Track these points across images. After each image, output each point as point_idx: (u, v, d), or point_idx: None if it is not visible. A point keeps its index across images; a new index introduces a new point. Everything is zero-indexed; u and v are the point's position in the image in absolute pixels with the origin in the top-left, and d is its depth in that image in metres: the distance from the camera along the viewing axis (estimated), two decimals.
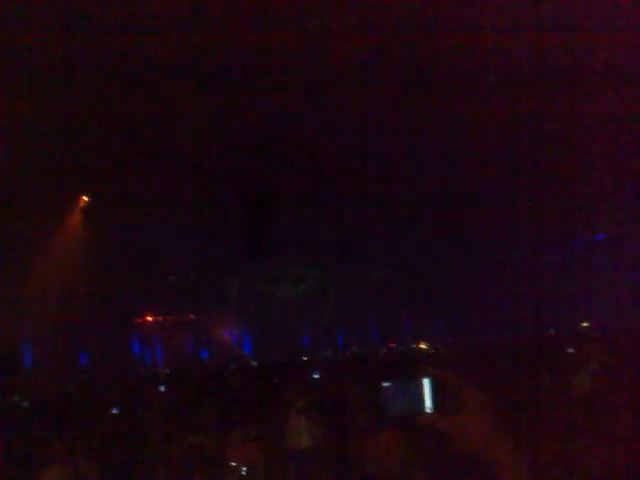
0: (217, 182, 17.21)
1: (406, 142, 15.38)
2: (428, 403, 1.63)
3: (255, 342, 20.74)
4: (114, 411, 6.56)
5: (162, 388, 8.28)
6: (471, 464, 1.58)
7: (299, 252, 19.20)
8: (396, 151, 15.92)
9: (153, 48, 13.07)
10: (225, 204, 17.86)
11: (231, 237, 18.41)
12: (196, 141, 16.26)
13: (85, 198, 18.22)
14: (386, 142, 15.55)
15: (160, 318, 20.35)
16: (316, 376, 6.97)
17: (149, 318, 20.42)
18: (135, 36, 12.66)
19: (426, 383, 1.64)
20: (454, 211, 17.34)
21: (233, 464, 3.70)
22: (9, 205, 16.02)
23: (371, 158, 16.32)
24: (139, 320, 20.11)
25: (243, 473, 3.60)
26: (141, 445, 5.00)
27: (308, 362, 9.56)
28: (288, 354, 15.16)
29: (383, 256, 18.89)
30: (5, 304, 16.44)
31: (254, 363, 12.03)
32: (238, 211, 18.19)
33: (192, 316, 20.45)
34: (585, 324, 15.30)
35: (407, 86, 13.15)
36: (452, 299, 18.93)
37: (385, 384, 1.66)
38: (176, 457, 4.32)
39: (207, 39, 12.46)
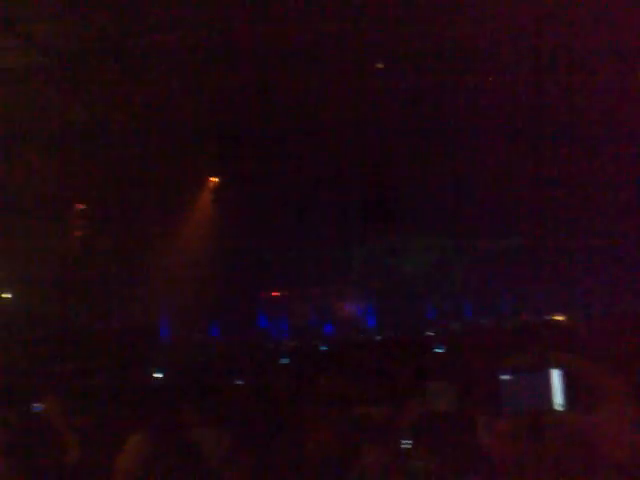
0: (338, 153, 17.12)
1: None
2: (558, 398, 1.29)
3: (380, 316, 20.57)
4: (240, 382, 6.59)
5: (285, 360, 8.30)
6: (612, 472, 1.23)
7: (425, 222, 18.76)
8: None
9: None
10: (346, 175, 17.75)
11: (354, 209, 18.30)
12: (313, 116, 16.28)
13: (213, 179, 18.78)
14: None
15: (285, 292, 20.66)
16: (440, 350, 6.66)
17: (275, 293, 20.80)
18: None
19: (556, 374, 1.30)
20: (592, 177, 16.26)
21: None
22: (141, 187, 16.75)
23: (499, 121, 15.64)
24: (265, 294, 20.54)
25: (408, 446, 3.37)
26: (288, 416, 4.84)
27: (435, 335, 9.24)
28: (414, 328, 14.85)
29: (514, 223, 18.02)
30: (143, 282, 17.29)
31: (378, 337, 11.86)
32: (360, 182, 18.04)
33: (316, 290, 20.58)
34: None
35: None
36: (590, 267, 17.70)
37: (507, 377, 1.35)
38: (338, 429, 4.11)
39: None
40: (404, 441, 3.26)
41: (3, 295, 18.22)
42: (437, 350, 6.67)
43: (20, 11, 12.58)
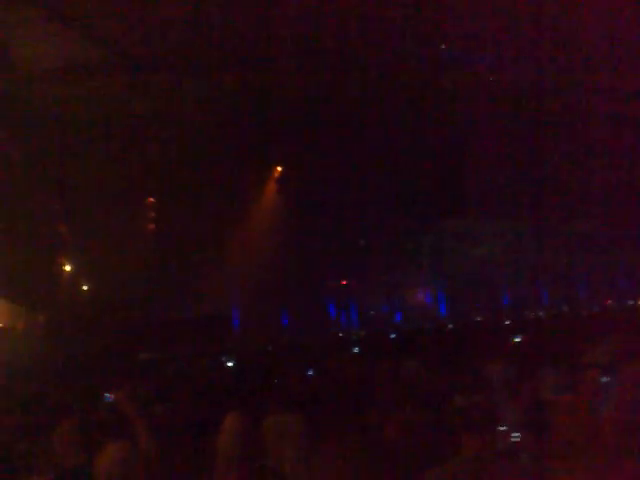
0: (404, 139, 16.83)
1: None
2: None
3: (452, 303, 20.08)
4: (311, 372, 6.46)
5: (356, 349, 8.13)
6: None
7: (496, 207, 18.16)
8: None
9: None
10: (414, 161, 17.40)
11: (422, 195, 17.91)
12: (380, 106, 16.05)
13: (279, 168, 18.73)
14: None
15: (355, 281, 20.44)
16: (518, 339, 6.33)
17: (344, 282, 20.61)
18: None
19: None
20: None
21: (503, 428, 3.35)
22: (210, 179, 16.87)
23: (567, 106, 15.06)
24: (335, 283, 20.39)
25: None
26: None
27: (510, 324, 8.84)
28: (487, 315, 14.38)
29: (588, 206, 17.22)
30: (215, 272, 17.44)
31: (450, 325, 11.50)
32: (427, 168, 17.64)
33: (386, 278, 20.26)
34: None
35: None
36: None
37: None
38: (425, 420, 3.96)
39: None
40: (513, 434, 3.13)
41: (83, 287, 18.82)
42: (516, 339, 6.35)
43: (85, 7, 12.74)
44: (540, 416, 3.16)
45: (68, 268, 18.42)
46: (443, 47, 14.82)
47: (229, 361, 9.32)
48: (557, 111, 15.28)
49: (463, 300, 19.52)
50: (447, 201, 18.06)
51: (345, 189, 17.72)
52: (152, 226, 17.90)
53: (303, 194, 17.91)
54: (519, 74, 14.90)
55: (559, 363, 3.97)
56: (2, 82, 14.10)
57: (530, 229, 18.99)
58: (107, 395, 4.31)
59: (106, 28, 13.68)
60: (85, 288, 18.79)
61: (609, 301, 14.65)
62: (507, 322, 9.59)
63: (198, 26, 14.96)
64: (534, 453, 3.02)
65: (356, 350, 8.02)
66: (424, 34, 13.60)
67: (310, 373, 6.06)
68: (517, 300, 19.62)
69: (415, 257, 20.03)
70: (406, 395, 4.55)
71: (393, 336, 10.67)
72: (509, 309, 18.43)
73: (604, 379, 3.39)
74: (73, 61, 13.99)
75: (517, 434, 3.33)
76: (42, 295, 16.87)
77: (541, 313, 15.04)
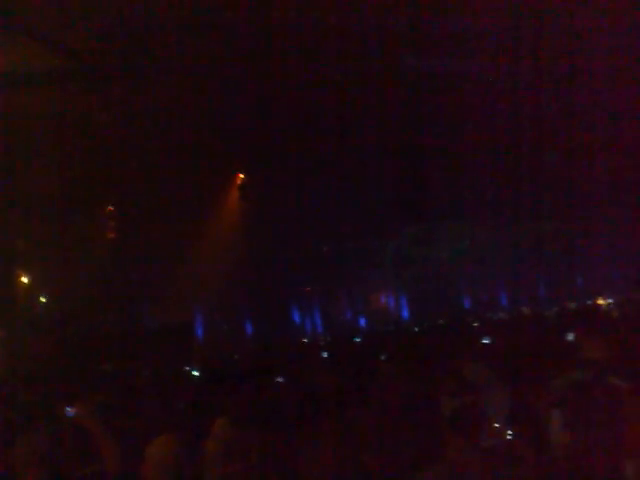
0: (365, 144, 16.82)
1: None
2: None
3: (414, 307, 20.14)
4: (280, 379, 6.29)
5: (325, 354, 8.00)
6: None
7: (458, 209, 18.27)
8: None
9: None
10: (373, 166, 17.40)
11: (383, 200, 17.93)
12: (339, 109, 16.01)
13: (241, 175, 18.56)
14: None
15: (318, 287, 20.35)
16: (487, 341, 6.28)
17: (307, 288, 20.50)
18: None
19: None
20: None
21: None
22: (170, 186, 16.59)
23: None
24: (298, 290, 20.26)
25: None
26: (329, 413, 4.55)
27: (478, 325, 8.83)
28: (450, 317, 14.43)
29: (551, 207, 17.43)
30: (177, 280, 17.16)
31: (416, 328, 11.46)
32: (389, 173, 17.66)
33: (348, 283, 20.24)
34: None
35: None
36: (627, 251, 17.09)
37: None
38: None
39: None
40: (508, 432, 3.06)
41: (40, 299, 18.30)
42: (485, 341, 6.29)
43: (44, 15, 12.46)
44: (530, 417, 3.08)
45: (25, 280, 17.92)
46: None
47: (194, 370, 9.10)
48: (517, 111, 15.44)
49: (425, 303, 19.61)
50: (408, 205, 18.11)
51: (307, 195, 17.63)
52: (112, 235, 17.51)
53: (265, 201, 17.77)
54: (475, 70, 15.00)
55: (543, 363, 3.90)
56: None
57: (490, 230, 19.19)
58: (68, 409, 4.07)
59: (69, 39, 13.44)
60: (43, 300, 18.30)
61: (568, 301, 14.91)
62: (475, 324, 9.60)
63: (158, 34, 14.75)
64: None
65: (324, 355, 7.89)
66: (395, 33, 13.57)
67: (279, 380, 5.89)
68: (478, 302, 19.78)
69: (377, 262, 20.07)
70: (385, 398, 4.45)
71: (358, 340, 10.58)
72: (470, 311, 18.55)
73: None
74: (35, 71, 13.72)
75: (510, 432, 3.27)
76: None
77: (502, 314, 15.16)
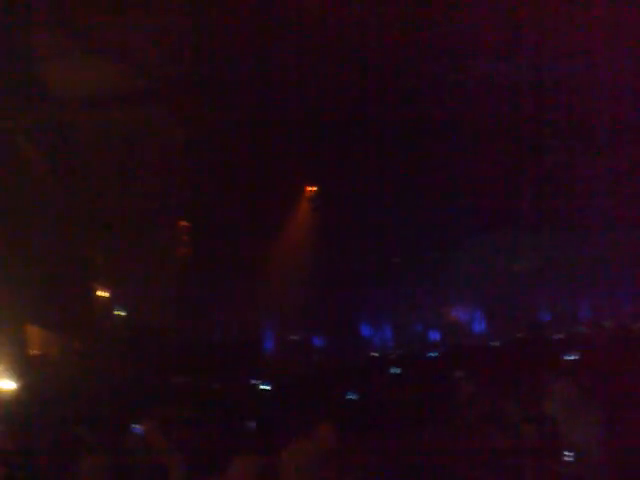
0: (440, 152, 16.51)
1: None
2: None
3: (490, 320, 19.47)
4: (350, 395, 6.11)
5: (396, 370, 7.75)
6: None
7: (537, 220, 17.54)
8: None
9: None
10: (450, 175, 17.00)
11: (459, 209, 17.46)
12: (413, 119, 15.79)
13: (312, 188, 18.54)
14: None
15: (388, 300, 20.01)
16: (571, 357, 5.90)
17: (377, 300, 20.18)
18: None
19: None
20: None
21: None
22: (241, 200, 16.74)
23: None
24: (366, 303, 19.99)
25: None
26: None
27: (562, 339, 8.35)
28: (529, 331, 13.81)
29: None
30: (248, 294, 17.24)
31: (495, 343, 10.94)
32: (466, 179, 17.19)
33: (421, 295, 19.79)
34: None
35: None
36: None
37: None
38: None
39: None
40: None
41: (116, 312, 18.76)
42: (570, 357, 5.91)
43: (126, 37, 12.87)
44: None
45: (102, 294, 18.40)
46: None
47: (263, 384, 9.02)
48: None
49: (500, 316, 18.94)
50: (486, 214, 17.55)
51: (379, 204, 17.40)
52: (185, 250, 17.79)
53: (336, 212, 17.66)
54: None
55: None
56: (40, 112, 14.31)
57: (570, 241, 18.29)
58: (135, 427, 4.00)
59: (143, 57, 13.83)
60: (119, 313, 18.74)
61: None
62: (557, 337, 9.09)
63: (230, 50, 14.98)
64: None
65: (396, 371, 7.64)
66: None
67: (351, 397, 5.71)
68: (557, 316, 18.94)
69: (451, 273, 19.53)
70: (462, 417, 4.22)
71: (433, 354, 10.25)
72: (549, 325, 17.78)
73: None
74: (110, 90, 14.16)
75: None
76: (76, 321, 16.81)
77: (583, 328, 14.43)
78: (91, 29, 12.73)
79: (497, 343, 10.65)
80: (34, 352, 15.65)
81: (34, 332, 15.99)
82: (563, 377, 4.09)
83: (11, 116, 13.51)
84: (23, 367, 13.26)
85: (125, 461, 3.59)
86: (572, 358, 5.72)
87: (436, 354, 10.04)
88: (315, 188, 18.25)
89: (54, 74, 13.61)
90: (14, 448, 5.12)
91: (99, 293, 18.21)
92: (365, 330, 19.89)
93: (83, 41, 12.94)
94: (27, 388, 11.79)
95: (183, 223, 17.77)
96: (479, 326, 19.82)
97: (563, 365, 5.28)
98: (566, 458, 3.14)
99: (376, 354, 16.24)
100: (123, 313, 18.52)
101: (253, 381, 9.37)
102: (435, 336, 19.82)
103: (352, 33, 13.20)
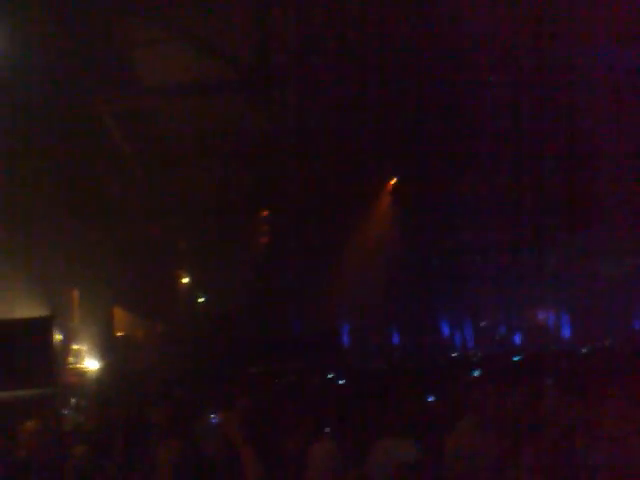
0: (526, 150, 15.91)
1: None
2: None
3: (577, 325, 18.57)
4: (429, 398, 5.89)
5: (477, 372, 7.45)
6: None
7: (625, 222, 16.61)
8: None
9: None
10: (538, 170, 16.34)
11: (550, 206, 16.72)
12: (494, 113, 15.34)
13: (393, 180, 18.23)
14: None
15: (469, 299, 19.42)
16: None
17: (458, 299, 19.63)
18: None
19: None
20: None
21: None
22: (324, 192, 16.65)
23: None
24: (447, 302, 19.49)
25: None
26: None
27: None
28: (618, 339, 13.07)
29: None
30: (327, 286, 17.14)
31: (584, 349, 10.36)
32: (554, 176, 16.48)
33: (506, 295, 19.05)
34: None
35: None
36: None
37: None
38: None
39: None
40: None
41: (199, 299, 19.12)
42: None
43: (206, 24, 12.99)
44: None
45: (185, 280, 18.79)
46: None
47: (339, 379, 8.90)
48: None
49: (589, 322, 18.03)
50: (576, 212, 16.74)
51: (461, 200, 16.91)
52: (266, 239, 17.89)
53: (417, 206, 17.28)
54: None
55: None
56: (128, 100, 14.65)
57: None
58: (213, 416, 3.91)
59: (228, 45, 13.93)
60: (201, 300, 19.07)
61: None
62: None
63: (309, 43, 14.92)
64: None
65: (477, 373, 7.33)
66: None
67: (431, 398, 5.49)
68: None
69: (537, 274, 18.73)
70: (544, 424, 3.95)
71: (516, 358, 9.82)
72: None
73: None
74: (196, 78, 14.33)
75: None
76: (160, 306, 17.24)
77: None
78: (181, 18, 12.94)
79: (585, 349, 10.06)
80: (119, 334, 16.16)
81: (120, 315, 16.51)
82: None
83: (102, 101, 13.87)
84: (108, 348, 13.68)
85: (198, 449, 3.53)
86: None
87: (519, 358, 9.61)
88: (398, 181, 17.92)
89: (144, 61, 13.88)
90: (94, 426, 5.21)
91: (182, 280, 18.63)
92: (446, 330, 19.40)
93: (174, 30, 13.15)
94: (110, 368, 12.14)
95: (265, 213, 17.87)
96: (565, 331, 18.97)
97: None
98: None
99: (455, 354, 15.81)
100: (203, 299, 18.88)
101: (330, 375, 9.27)
102: (518, 339, 19.12)
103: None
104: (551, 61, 14.32)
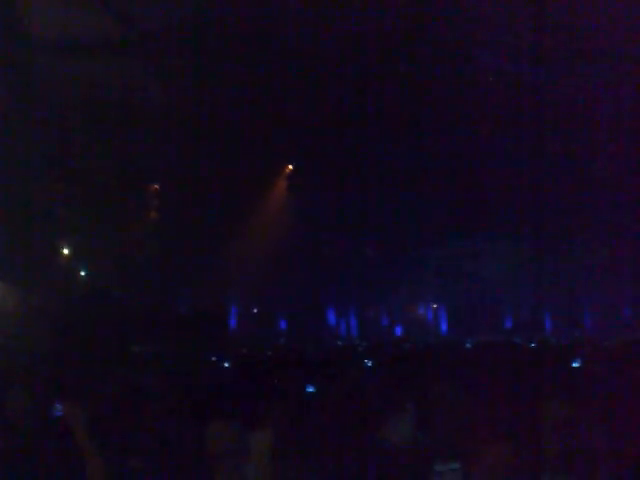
0: (419, 149, 15.88)
1: None
2: None
3: (454, 321, 18.91)
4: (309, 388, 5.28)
5: (368, 363, 6.96)
6: None
7: (509, 225, 17.01)
8: None
9: None
10: (428, 173, 16.35)
11: (433, 209, 16.81)
12: (396, 107, 15.19)
13: (290, 166, 17.79)
14: None
15: (356, 290, 19.30)
16: (576, 364, 5.18)
17: (344, 289, 19.46)
18: None
19: None
20: None
21: None
22: (217, 173, 15.84)
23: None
24: (335, 291, 19.28)
25: None
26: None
27: (567, 348, 7.67)
28: (494, 335, 13.30)
29: (607, 231, 16.04)
30: (216, 268, 16.42)
31: (467, 344, 10.31)
32: (439, 184, 16.57)
33: (388, 289, 19.15)
34: None
35: None
36: None
37: None
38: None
39: None
40: None
41: (80, 273, 17.78)
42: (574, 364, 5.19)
43: None
44: None
45: (66, 252, 17.43)
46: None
47: (224, 362, 8.21)
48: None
49: (463, 319, 18.43)
50: (459, 217, 16.93)
51: (355, 193, 16.67)
52: (155, 214, 16.82)
53: (312, 194, 16.87)
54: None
55: None
56: (19, 56, 13.32)
57: (535, 251, 17.72)
58: (57, 408, 3.15)
59: (129, 7, 12.99)
60: (82, 274, 17.80)
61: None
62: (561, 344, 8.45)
63: (218, 17, 14.14)
64: None
65: (369, 363, 6.84)
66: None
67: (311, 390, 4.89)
68: (519, 323, 18.51)
69: (420, 271, 18.86)
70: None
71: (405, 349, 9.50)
72: (512, 332, 17.27)
73: None
74: (92, 38, 13.25)
75: None
76: (37, 277, 15.77)
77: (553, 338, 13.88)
78: None
79: (468, 345, 9.90)
80: None
81: None
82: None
83: None
84: None
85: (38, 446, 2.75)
86: (577, 366, 4.99)
87: (408, 349, 9.29)
88: (294, 167, 17.45)
89: (36, 19, 12.67)
90: None
91: (63, 251, 17.28)
92: (331, 318, 19.17)
93: None
94: None
95: (155, 187, 16.81)
96: (443, 326, 19.30)
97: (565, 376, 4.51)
98: None
99: (340, 342, 15.51)
100: (84, 273, 17.60)
101: (213, 357, 8.58)
102: (398, 331, 19.23)
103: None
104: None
